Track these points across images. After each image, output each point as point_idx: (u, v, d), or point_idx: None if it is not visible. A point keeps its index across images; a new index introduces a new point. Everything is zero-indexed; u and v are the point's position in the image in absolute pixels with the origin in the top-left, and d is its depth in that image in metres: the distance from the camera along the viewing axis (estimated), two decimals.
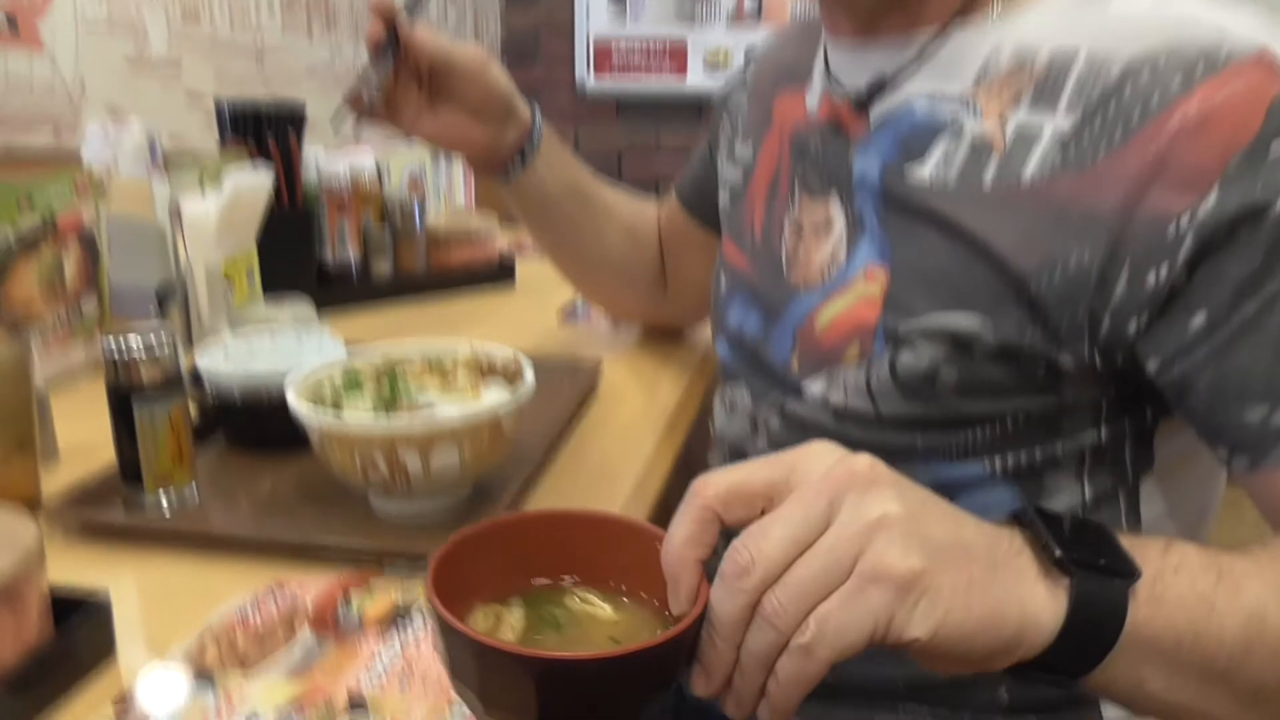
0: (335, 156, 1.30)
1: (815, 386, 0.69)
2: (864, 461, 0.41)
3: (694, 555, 0.41)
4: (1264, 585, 0.47)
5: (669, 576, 0.41)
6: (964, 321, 0.61)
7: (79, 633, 0.55)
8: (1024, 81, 0.60)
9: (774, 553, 0.39)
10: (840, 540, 0.39)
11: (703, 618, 0.40)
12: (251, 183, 1.12)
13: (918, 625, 0.39)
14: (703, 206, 0.97)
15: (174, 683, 0.55)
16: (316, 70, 3.70)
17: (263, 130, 1.22)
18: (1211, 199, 0.52)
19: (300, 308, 1.15)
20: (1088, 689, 0.44)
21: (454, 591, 0.43)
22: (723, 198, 0.86)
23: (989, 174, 0.60)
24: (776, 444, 0.74)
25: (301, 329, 0.92)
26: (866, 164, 0.67)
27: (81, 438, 0.84)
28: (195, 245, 1.09)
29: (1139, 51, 0.56)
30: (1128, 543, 0.45)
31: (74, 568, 0.67)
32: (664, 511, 0.80)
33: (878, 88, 0.67)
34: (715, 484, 0.41)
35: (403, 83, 0.88)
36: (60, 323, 0.99)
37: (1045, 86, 0.59)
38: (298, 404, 0.70)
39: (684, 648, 0.40)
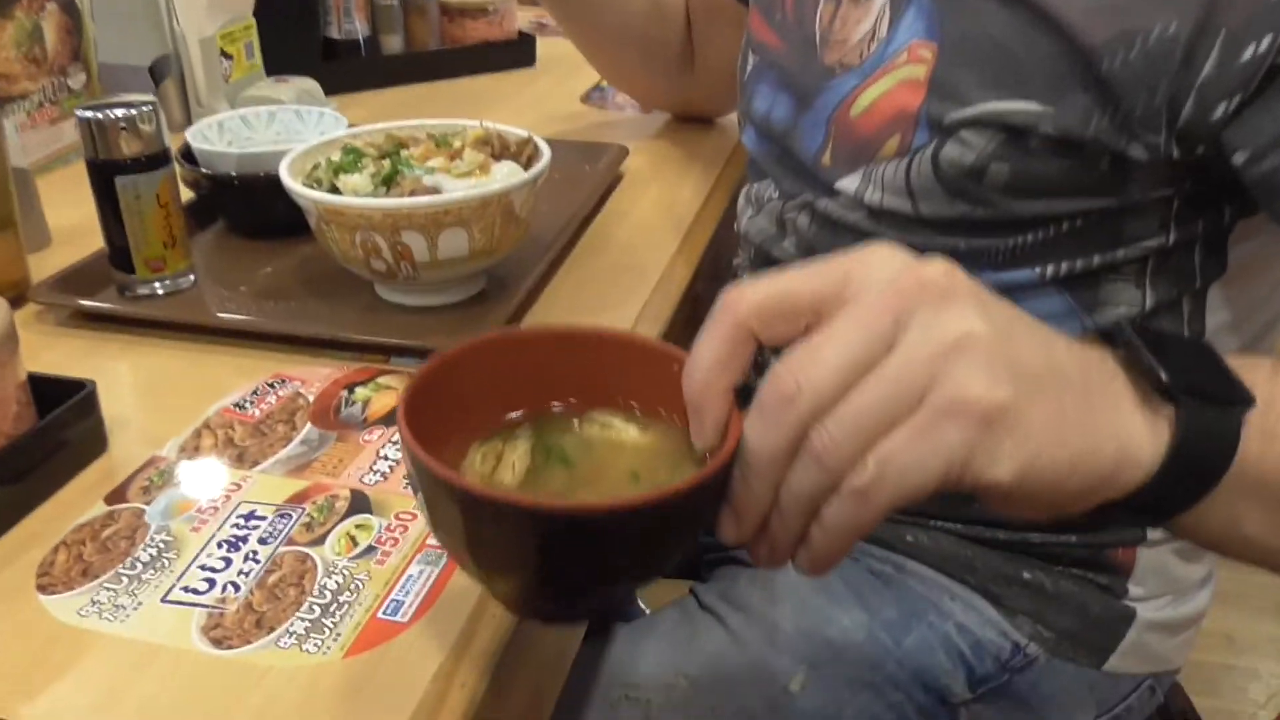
0: None
1: (849, 182, 0.62)
2: (938, 268, 0.33)
3: (724, 382, 0.34)
4: None
5: (692, 406, 0.35)
6: (1021, 109, 0.53)
7: (64, 424, 0.52)
8: None
9: (825, 378, 0.32)
10: (910, 364, 0.32)
11: (736, 455, 0.33)
12: None
13: (1003, 466, 0.32)
14: None
15: (169, 476, 0.52)
16: None
17: None
18: None
19: (305, 85, 1.07)
20: (1174, 529, 0.38)
21: (440, 425, 0.35)
22: None
23: None
24: (805, 246, 0.67)
25: (302, 107, 0.85)
26: None
27: (76, 222, 0.78)
28: (186, 13, 1.00)
29: None
30: (1234, 364, 0.38)
31: (64, 357, 0.64)
32: (687, 318, 0.74)
33: None
34: (751, 296, 0.34)
35: None
36: (46, 97, 0.92)
37: None
38: (292, 183, 0.64)
39: (713, 492, 0.34)
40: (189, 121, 1.04)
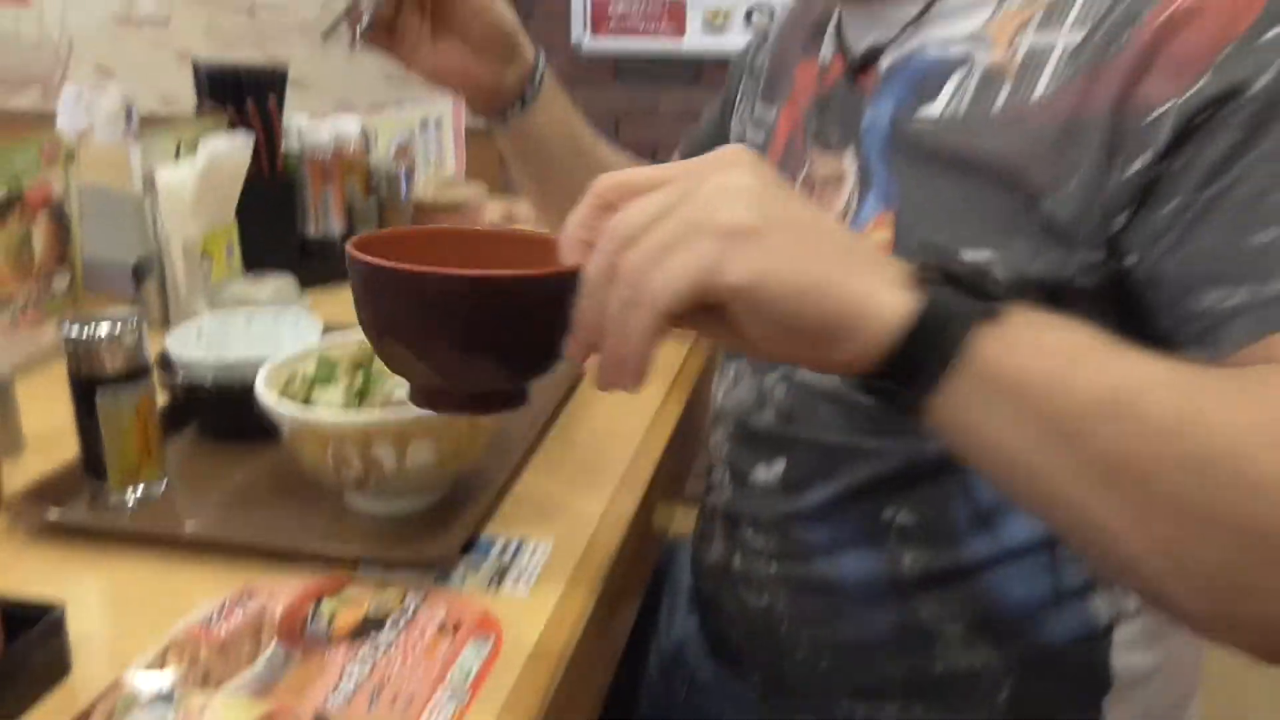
0: (319, 122, 1.26)
1: None
2: (736, 148, 0.44)
3: (582, 236, 0.44)
4: (1166, 375, 0.43)
5: (561, 257, 0.45)
6: (974, 258, 0.59)
7: (32, 650, 0.52)
8: (1035, 7, 0.61)
9: (634, 219, 0.42)
10: (689, 204, 0.41)
11: (578, 274, 0.44)
12: (230, 150, 1.07)
13: (738, 270, 0.40)
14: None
15: (132, 703, 0.52)
16: (309, 27, 3.62)
17: (243, 94, 1.17)
18: (1198, 85, 0.52)
19: (282, 284, 1.11)
20: (931, 425, 0.44)
21: None
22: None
23: (1000, 100, 0.60)
24: (784, 415, 0.71)
25: (279, 310, 0.89)
26: (877, 113, 0.66)
27: (53, 424, 0.80)
28: (171, 217, 1.05)
29: None
30: (1059, 321, 0.44)
31: (36, 569, 0.64)
32: (660, 495, 0.77)
33: (887, 42, 0.67)
34: (611, 178, 0.44)
35: (405, 9, 0.82)
36: (30, 301, 0.95)
37: (1053, 9, 0.60)
38: (267, 395, 0.67)
39: (561, 287, 0.44)
40: (168, 321, 1.08)
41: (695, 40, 2.70)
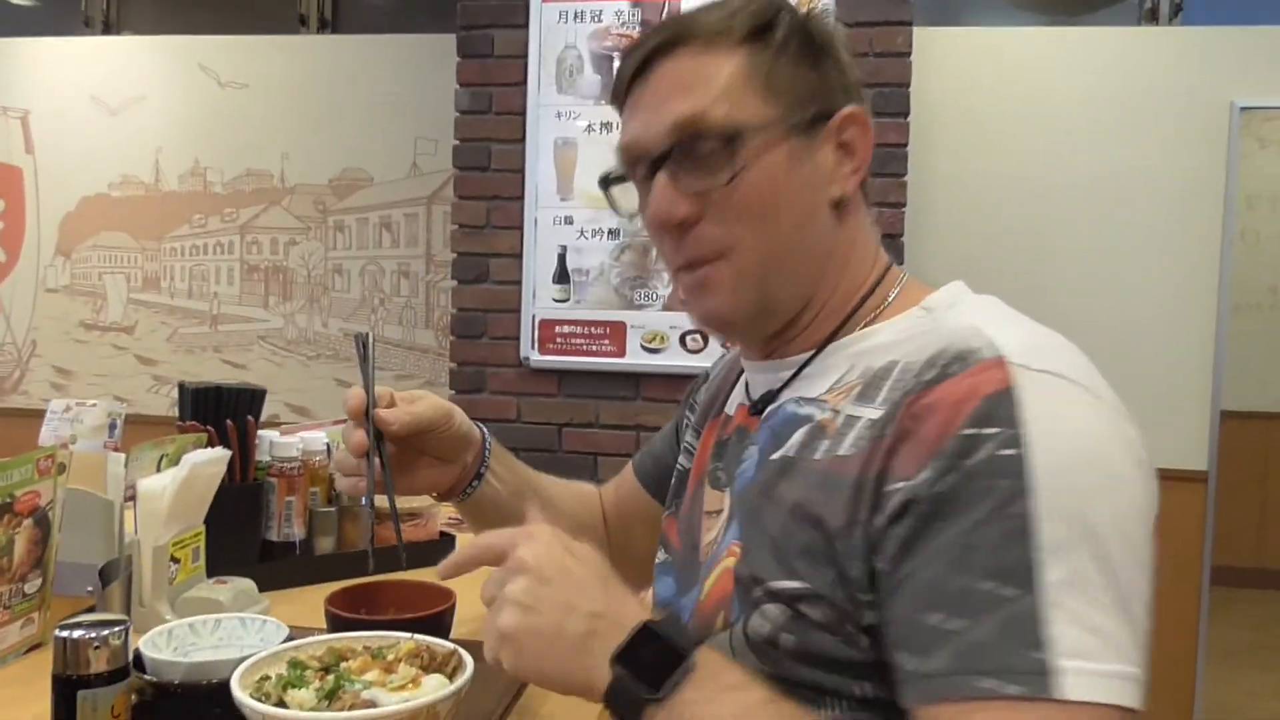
0: (290, 437, 1.37)
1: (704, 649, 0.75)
2: (529, 552, 0.68)
3: (452, 574, 0.74)
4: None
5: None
6: (791, 586, 0.69)
7: None
8: (859, 385, 0.73)
9: (489, 591, 0.69)
10: (501, 597, 0.67)
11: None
12: (208, 462, 1.17)
13: (507, 660, 0.66)
14: (659, 483, 1.04)
15: None
16: (269, 337, 3.84)
17: (222, 411, 1.28)
18: (924, 474, 0.63)
19: (243, 587, 1.17)
20: None
21: None
22: (676, 477, 0.97)
23: (821, 449, 0.72)
24: None
25: (246, 615, 0.95)
26: (749, 460, 0.79)
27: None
28: (146, 523, 1.12)
29: (928, 354, 0.68)
30: (716, 665, 0.65)
31: None
32: None
33: (769, 397, 0.81)
34: (476, 541, 0.73)
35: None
36: (2, 604, 1.00)
37: (868, 388, 0.71)
38: (241, 695, 0.72)
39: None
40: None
41: (635, 357, 2.94)
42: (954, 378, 0.65)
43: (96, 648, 0.73)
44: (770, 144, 0.74)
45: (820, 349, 0.79)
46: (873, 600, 0.66)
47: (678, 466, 0.97)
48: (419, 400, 0.95)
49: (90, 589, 1.13)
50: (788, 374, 0.80)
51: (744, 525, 0.75)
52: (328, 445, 1.42)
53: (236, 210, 3.85)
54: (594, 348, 3.02)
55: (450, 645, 0.82)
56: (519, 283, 2.93)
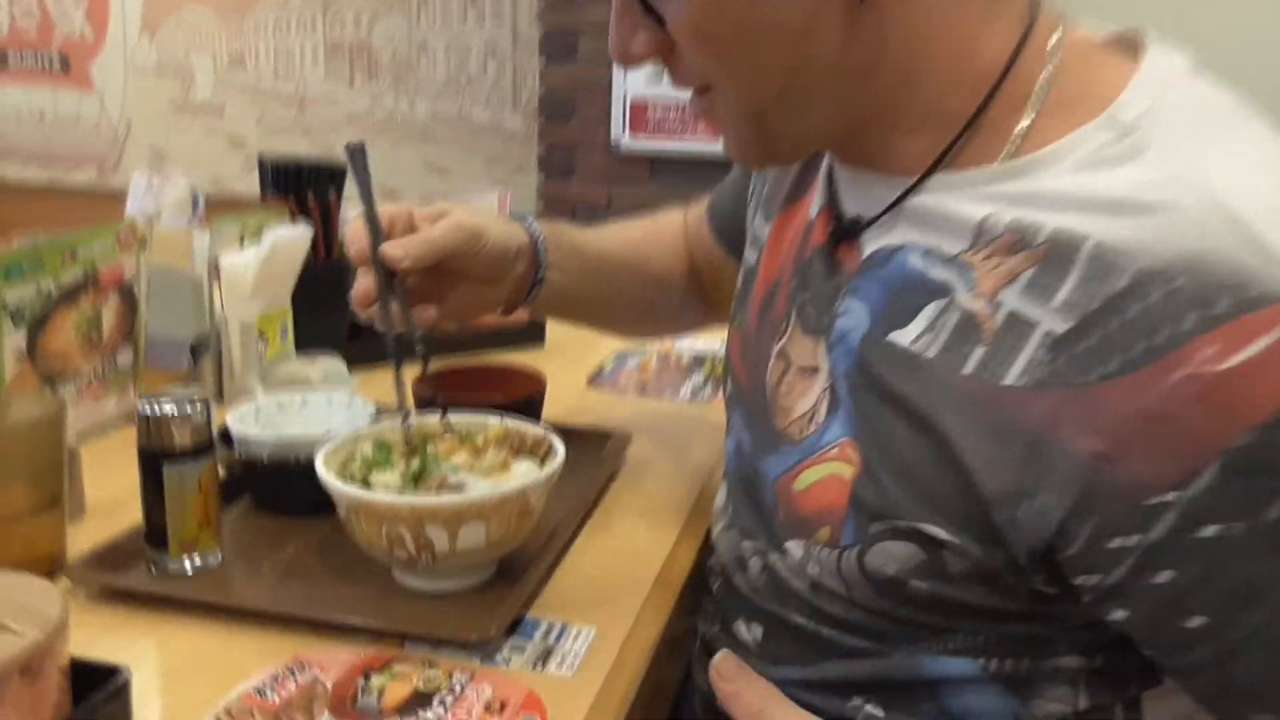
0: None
1: (796, 548, 0.64)
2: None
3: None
4: None
5: None
6: (932, 532, 0.55)
7: (96, 713, 0.54)
8: (1021, 261, 0.52)
9: None
10: None
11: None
12: (290, 238, 1.13)
13: None
14: (735, 238, 0.87)
15: None
16: (356, 118, 3.77)
17: (303, 186, 1.23)
18: (1206, 478, 0.46)
19: (332, 364, 1.15)
20: None
21: None
22: (742, 276, 0.80)
23: (973, 360, 0.53)
24: (756, 590, 0.69)
25: (333, 391, 0.92)
26: (851, 318, 0.61)
27: (110, 493, 0.84)
28: (231, 299, 1.10)
29: (1155, 262, 0.47)
30: None
31: (95, 632, 0.67)
32: (689, 609, 0.78)
33: (871, 220, 0.61)
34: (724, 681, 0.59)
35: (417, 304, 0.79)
36: (95, 375, 0.99)
37: (1044, 273, 0.51)
38: (326, 475, 0.70)
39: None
40: (222, 396, 1.12)
41: None
42: (1233, 325, 0.45)
43: (178, 423, 0.71)
44: None
45: (931, 171, 0.57)
46: (1049, 577, 0.54)
47: (744, 261, 0.79)
48: (441, 219, 0.77)
49: (184, 365, 1.13)
50: (891, 195, 0.59)
51: (858, 424, 0.59)
52: None
53: None
54: (688, 130, 2.88)
55: (541, 430, 0.78)
56: (610, 62, 2.78)
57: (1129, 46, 0.57)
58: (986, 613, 0.58)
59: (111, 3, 3.96)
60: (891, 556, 0.57)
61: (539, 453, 0.76)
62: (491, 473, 0.71)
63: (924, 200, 0.58)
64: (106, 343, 1.01)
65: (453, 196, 1.63)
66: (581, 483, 0.88)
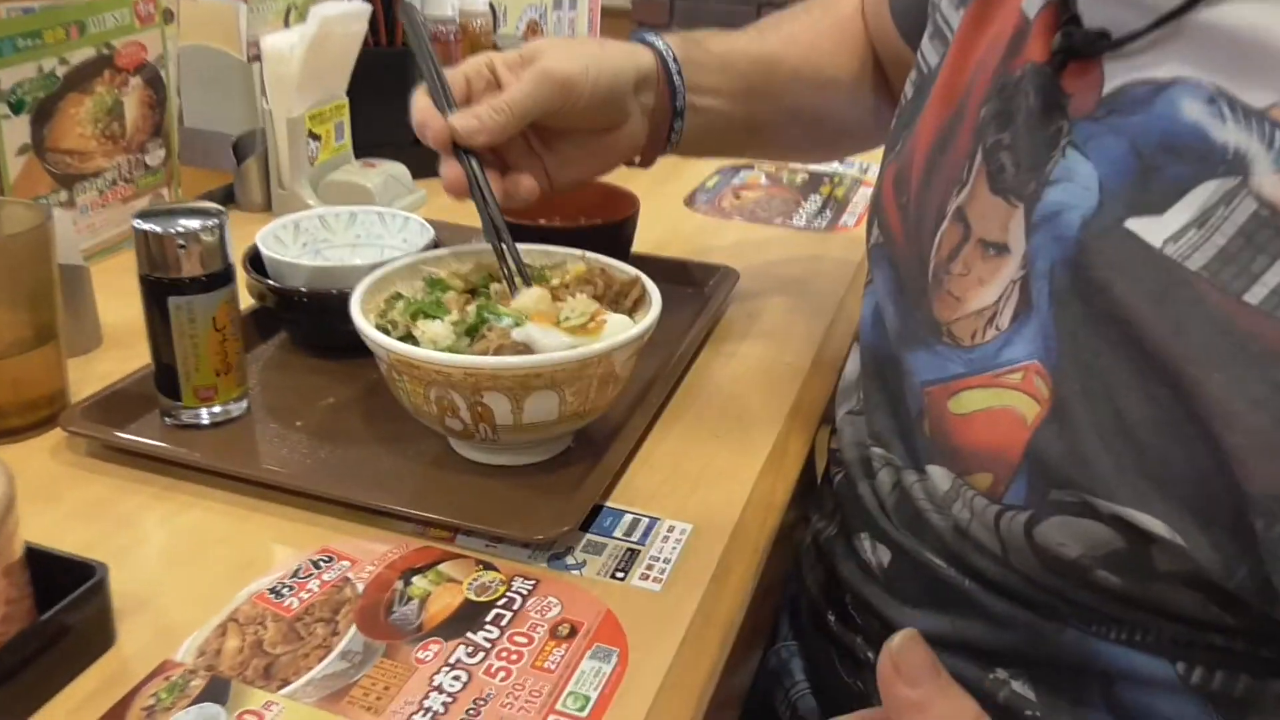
0: None
1: (940, 479, 0.49)
2: None
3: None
4: None
5: None
6: (1144, 524, 0.39)
7: (68, 617, 0.43)
8: None
9: None
10: None
11: None
12: (344, 19, 0.95)
13: None
14: (918, 27, 0.62)
15: (178, 695, 0.43)
16: None
17: None
18: None
19: (394, 172, 1.00)
20: None
21: None
22: (909, 83, 0.60)
23: (1265, 282, 0.36)
24: (884, 508, 0.55)
25: (385, 210, 0.77)
26: (1071, 187, 0.42)
27: (133, 315, 0.71)
28: (277, 90, 0.94)
29: None
30: None
31: (89, 500, 0.56)
32: (805, 490, 0.64)
33: (1120, 39, 0.41)
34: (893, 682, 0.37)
35: (511, 172, 0.63)
36: (120, 175, 0.86)
37: None
38: (364, 323, 0.56)
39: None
40: (269, 203, 0.98)
41: None
42: None
43: (183, 246, 0.57)
44: None
45: None
46: None
47: (918, 59, 0.58)
48: (529, 68, 0.60)
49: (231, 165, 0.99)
50: (1169, 3, 0.39)
51: (1059, 347, 0.42)
52: (491, 6, 1.18)
53: None
54: None
55: (632, 271, 0.62)
56: None
57: None
58: (1197, 621, 0.42)
59: None
60: (1075, 536, 0.42)
61: (628, 300, 0.61)
62: (569, 326, 0.56)
63: (1226, 12, 0.38)
64: (132, 137, 0.86)
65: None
66: (678, 330, 0.72)
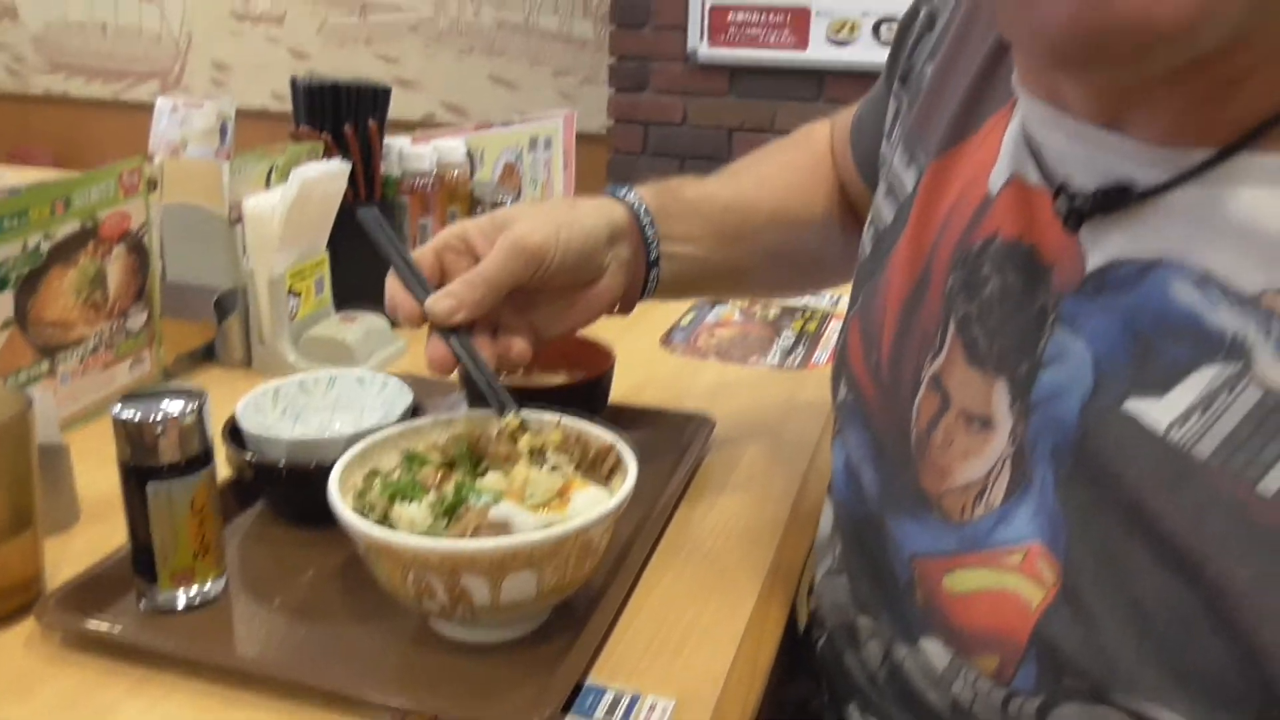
0: (421, 145, 1.16)
1: (937, 653, 0.48)
2: None
3: None
4: None
5: None
6: (1153, 715, 0.39)
7: None
8: None
9: None
10: None
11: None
12: (324, 177, 0.98)
13: None
14: (875, 172, 0.67)
15: None
16: (420, 25, 3.59)
17: (341, 115, 1.08)
18: None
19: (373, 324, 1.02)
20: None
21: None
22: (866, 237, 0.62)
23: (1276, 468, 0.35)
24: (873, 681, 0.54)
25: (364, 372, 0.78)
26: (1067, 368, 0.42)
27: (112, 486, 0.71)
28: (258, 249, 0.96)
29: None
30: None
31: (65, 692, 0.55)
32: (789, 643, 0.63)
33: (1102, 201, 0.41)
34: None
35: (502, 334, 0.64)
36: (102, 342, 0.87)
37: None
38: (341, 507, 0.56)
39: None
40: (249, 359, 0.99)
41: (818, 51, 2.56)
42: None
43: (162, 433, 0.57)
44: None
45: (1236, 147, 0.38)
46: None
47: (872, 214, 0.61)
48: (500, 235, 0.62)
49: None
50: (1150, 173, 0.40)
51: (1068, 532, 0.42)
52: (468, 155, 1.21)
53: None
54: (772, 38, 2.64)
55: (609, 437, 0.63)
56: None
57: None
58: None
59: None
60: None
61: (604, 466, 0.62)
62: (545, 503, 0.57)
63: (1213, 194, 0.38)
64: (114, 304, 0.88)
65: (516, 122, 1.45)
66: (655, 485, 0.73)
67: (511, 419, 0.61)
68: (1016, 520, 0.44)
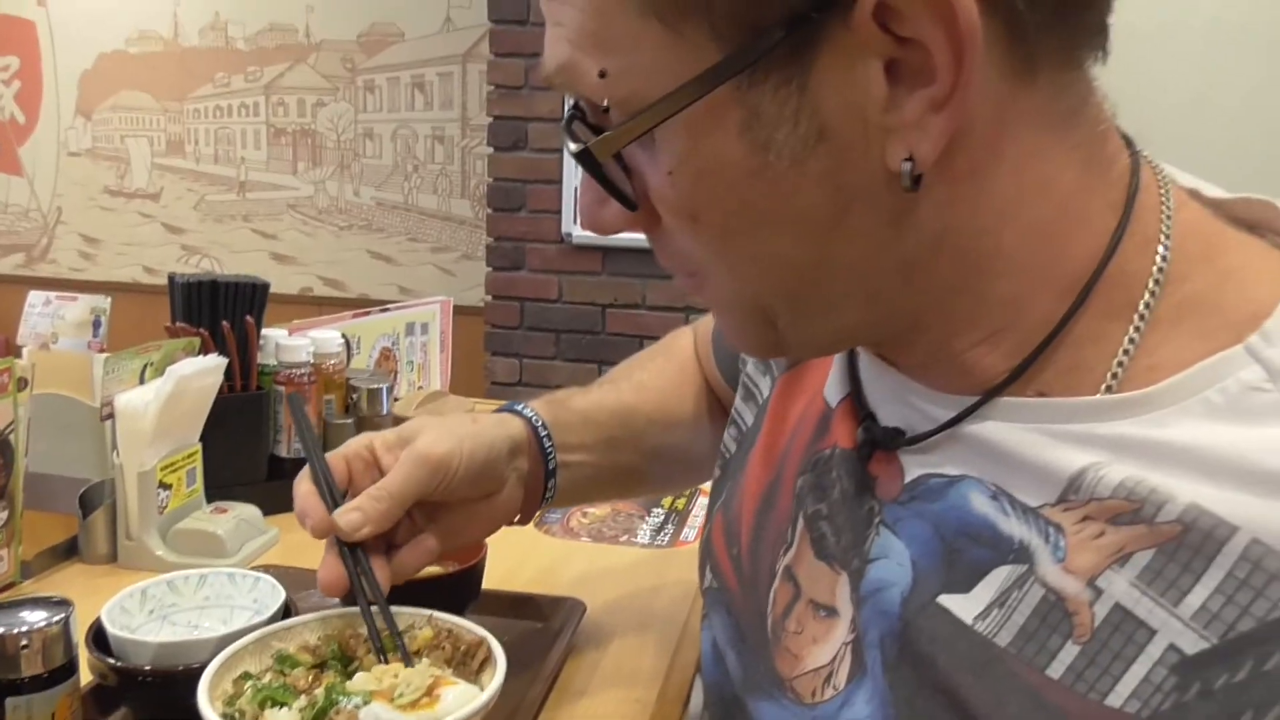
0: (298, 337, 1.19)
1: None
2: None
3: None
4: None
5: None
6: None
7: None
8: (1134, 537, 0.39)
9: None
10: None
11: None
12: (199, 373, 1.00)
13: None
14: (735, 376, 0.72)
15: None
16: (299, 205, 3.66)
17: (219, 310, 1.11)
18: None
19: (245, 514, 1.02)
20: None
21: None
22: (728, 437, 0.69)
23: (1062, 661, 0.40)
24: None
25: (234, 570, 0.79)
26: (889, 566, 0.47)
27: None
28: (128, 445, 0.97)
29: None
30: None
31: None
32: None
33: (912, 439, 0.48)
34: None
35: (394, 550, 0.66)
36: None
37: (1168, 561, 0.38)
38: (209, 713, 0.56)
39: None
40: (114, 555, 0.98)
41: None
42: None
43: (26, 645, 0.57)
44: (711, 111, 0.40)
45: (998, 391, 0.44)
46: None
47: (733, 416, 0.67)
48: (404, 450, 0.65)
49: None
50: (941, 411, 0.46)
51: (896, 713, 0.46)
52: (345, 342, 1.25)
53: (260, 68, 3.62)
54: None
55: (479, 633, 0.65)
56: (559, 151, 2.70)
57: (1257, 218, 0.44)
58: None
59: (45, 86, 3.83)
60: None
61: (474, 661, 0.64)
62: (415, 701, 0.58)
63: (992, 430, 0.44)
64: None
65: (398, 283, 1.51)
66: (527, 675, 0.75)
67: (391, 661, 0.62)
68: (857, 703, 0.48)
